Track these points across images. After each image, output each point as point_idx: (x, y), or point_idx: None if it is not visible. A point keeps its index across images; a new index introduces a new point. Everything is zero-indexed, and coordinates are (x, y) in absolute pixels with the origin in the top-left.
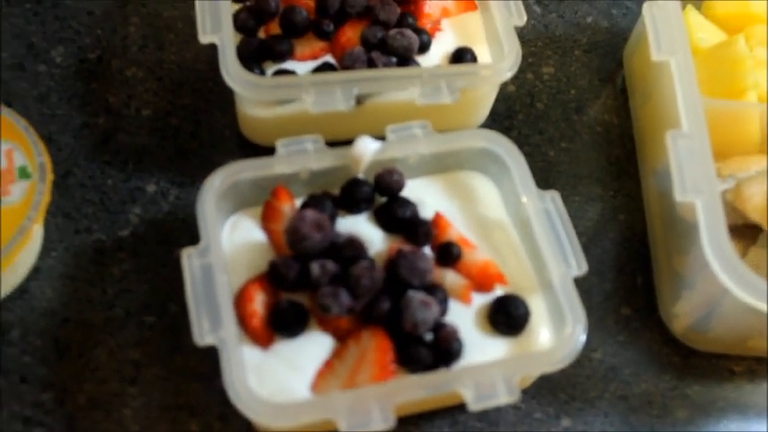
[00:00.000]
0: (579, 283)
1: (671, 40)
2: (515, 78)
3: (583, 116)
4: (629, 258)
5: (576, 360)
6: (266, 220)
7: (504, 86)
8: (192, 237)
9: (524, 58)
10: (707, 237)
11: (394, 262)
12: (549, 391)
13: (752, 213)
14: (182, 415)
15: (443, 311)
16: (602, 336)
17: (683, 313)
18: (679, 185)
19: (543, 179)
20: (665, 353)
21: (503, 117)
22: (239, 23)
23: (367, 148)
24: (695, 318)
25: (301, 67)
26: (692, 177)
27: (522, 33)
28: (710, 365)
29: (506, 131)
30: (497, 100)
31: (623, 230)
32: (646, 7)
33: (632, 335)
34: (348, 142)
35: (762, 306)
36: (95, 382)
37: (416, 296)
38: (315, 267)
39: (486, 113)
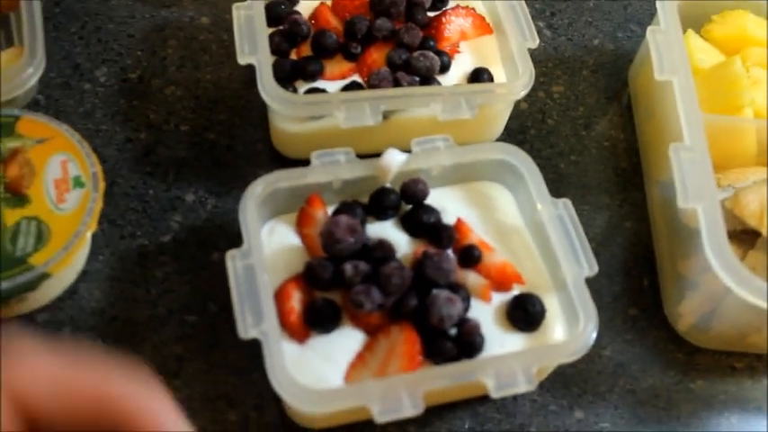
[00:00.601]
0: (590, 285)
1: (672, 62)
2: (528, 96)
3: (591, 131)
4: (636, 262)
5: (588, 356)
6: (301, 226)
7: (517, 104)
8: (230, 242)
9: (536, 77)
10: (708, 240)
11: (420, 263)
12: (562, 384)
13: (749, 219)
14: (221, 405)
15: (466, 308)
16: (611, 334)
17: (686, 312)
18: (682, 194)
19: (555, 189)
20: (670, 350)
21: (516, 132)
22: (273, 46)
23: (394, 160)
24: (698, 317)
25: (331, 86)
26: (693, 186)
27: (533, 54)
28: (713, 362)
29: (520, 145)
30: (511, 116)
31: (630, 236)
32: (649, 32)
33: (639, 333)
34: (374, 154)
35: (760, 304)
36: None
37: (442, 294)
38: (348, 268)
39: (501, 128)
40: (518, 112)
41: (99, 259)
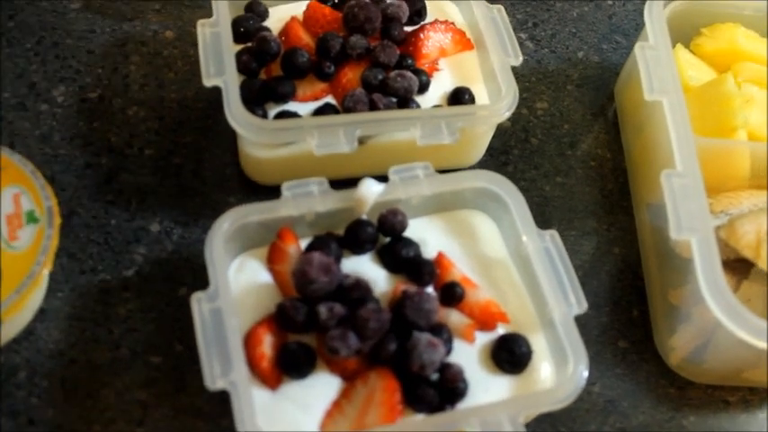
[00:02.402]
0: (577, 316)
1: (663, 81)
2: (511, 114)
3: (576, 151)
4: (625, 291)
5: None
6: (272, 262)
7: (500, 122)
8: (196, 275)
9: (519, 93)
10: (702, 273)
11: (400, 304)
12: (550, 424)
13: (745, 250)
14: None
15: (448, 351)
16: (600, 369)
17: (678, 346)
18: (674, 224)
19: (539, 213)
20: (661, 385)
21: (499, 152)
22: (241, 65)
23: (371, 191)
24: (690, 350)
25: (303, 108)
26: (687, 216)
27: (516, 69)
28: (705, 396)
29: (503, 167)
30: (494, 135)
31: (618, 263)
32: (638, 48)
33: (629, 367)
34: (350, 181)
35: (757, 343)
36: (103, 423)
37: (423, 337)
38: (323, 310)
39: (483, 150)
40: (501, 131)
41: (57, 296)
